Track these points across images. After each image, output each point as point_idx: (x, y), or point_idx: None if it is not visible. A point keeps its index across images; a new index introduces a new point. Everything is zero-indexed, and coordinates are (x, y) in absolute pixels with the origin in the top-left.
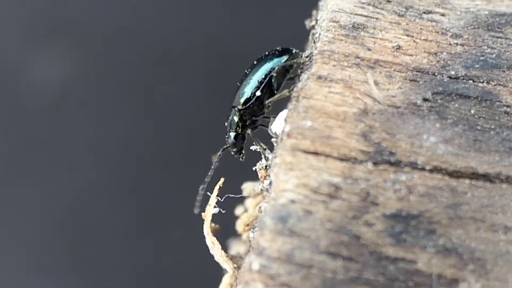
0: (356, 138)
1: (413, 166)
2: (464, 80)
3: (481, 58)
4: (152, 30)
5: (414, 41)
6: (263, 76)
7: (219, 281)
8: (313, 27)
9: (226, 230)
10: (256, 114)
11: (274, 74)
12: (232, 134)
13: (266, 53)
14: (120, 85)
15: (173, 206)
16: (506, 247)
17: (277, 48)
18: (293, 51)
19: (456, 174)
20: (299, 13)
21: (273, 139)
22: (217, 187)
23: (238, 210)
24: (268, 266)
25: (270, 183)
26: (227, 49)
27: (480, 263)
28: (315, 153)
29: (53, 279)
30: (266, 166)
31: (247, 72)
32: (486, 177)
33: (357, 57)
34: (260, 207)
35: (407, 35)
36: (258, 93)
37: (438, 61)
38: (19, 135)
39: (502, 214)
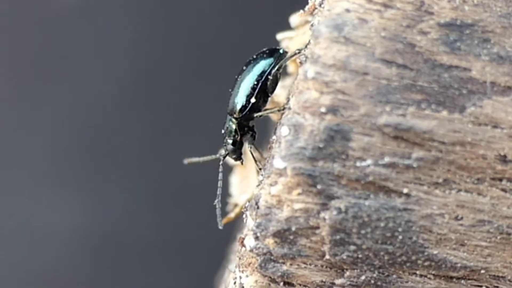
0: None
1: None
2: None
3: None
4: None
5: None
6: (255, 82)
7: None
8: None
9: None
10: (253, 118)
11: (270, 77)
12: (230, 141)
13: (254, 56)
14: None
15: (190, 122)
16: None
17: (265, 49)
18: (281, 51)
19: None
20: None
21: None
22: None
23: (284, 43)
24: (323, 73)
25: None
26: None
27: None
28: None
29: (66, 194)
30: None
31: (238, 78)
32: None
33: None
34: (311, 25)
35: None
36: (253, 100)
37: None
38: (36, 46)
39: None
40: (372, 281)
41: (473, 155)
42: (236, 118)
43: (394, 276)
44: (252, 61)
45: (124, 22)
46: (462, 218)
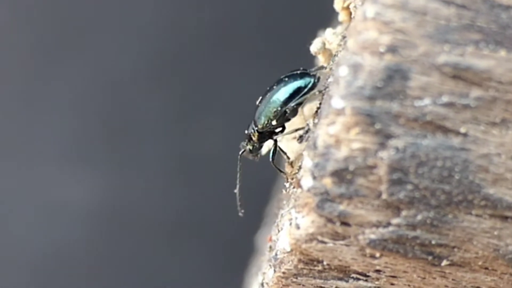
0: None
1: None
2: None
3: None
4: None
5: None
6: (279, 108)
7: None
8: None
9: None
10: (276, 130)
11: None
12: (250, 146)
13: (286, 78)
14: None
15: (213, 96)
16: None
17: (297, 71)
18: (312, 80)
19: None
20: None
21: None
22: None
23: None
24: (383, 13)
25: None
26: None
27: None
28: None
29: (86, 171)
30: None
31: (267, 93)
32: None
33: None
34: None
35: None
36: (274, 123)
37: None
38: (54, 19)
39: None
40: (428, 221)
41: None
42: (257, 130)
43: (450, 215)
44: (282, 82)
45: None
46: None
